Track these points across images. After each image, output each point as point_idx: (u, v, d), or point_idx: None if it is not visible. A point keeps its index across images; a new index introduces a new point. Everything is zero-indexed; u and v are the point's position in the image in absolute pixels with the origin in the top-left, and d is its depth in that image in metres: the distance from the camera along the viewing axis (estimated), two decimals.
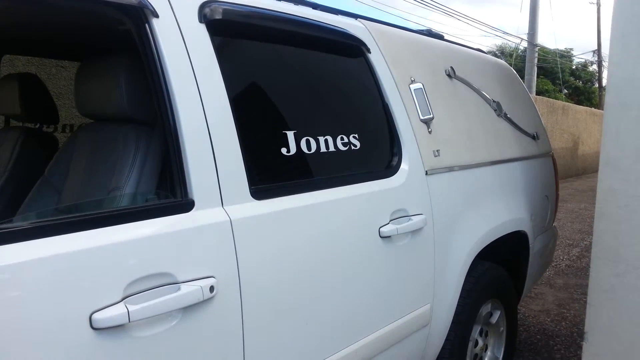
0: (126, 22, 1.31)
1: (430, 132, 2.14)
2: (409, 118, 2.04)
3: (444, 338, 2.21)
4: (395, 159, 1.97)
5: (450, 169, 2.20)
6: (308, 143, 1.63)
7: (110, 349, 1.06)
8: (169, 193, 1.32)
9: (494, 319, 2.67)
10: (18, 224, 1.07)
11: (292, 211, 1.48)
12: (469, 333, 2.39)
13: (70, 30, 1.77)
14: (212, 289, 1.23)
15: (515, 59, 25.99)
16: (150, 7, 1.30)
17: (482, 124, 2.55)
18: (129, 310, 1.07)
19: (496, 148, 2.60)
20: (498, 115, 2.73)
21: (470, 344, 2.44)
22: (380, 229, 1.78)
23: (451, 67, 2.43)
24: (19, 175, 1.94)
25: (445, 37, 2.70)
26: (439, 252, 2.09)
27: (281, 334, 1.43)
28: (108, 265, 1.08)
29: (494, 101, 2.71)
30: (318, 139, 1.66)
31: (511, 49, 28.67)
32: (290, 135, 1.57)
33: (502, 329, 2.74)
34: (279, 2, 1.79)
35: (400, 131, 1.99)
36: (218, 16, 1.45)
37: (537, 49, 16.38)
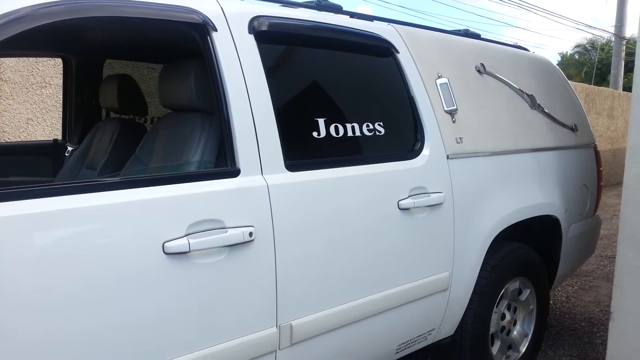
0: (194, 35, 1.76)
1: (454, 122, 2.45)
2: (433, 109, 2.36)
3: (466, 305, 2.50)
4: (418, 144, 2.30)
5: (473, 154, 2.49)
6: (336, 128, 2.01)
7: (176, 269, 1.51)
8: (223, 163, 1.76)
9: (523, 297, 2.90)
10: (122, 178, 1.55)
11: (318, 182, 1.87)
12: (493, 305, 2.66)
13: (156, 40, 2.27)
14: (251, 234, 1.65)
15: (607, 53, 24.72)
16: (211, 24, 1.74)
17: (512, 116, 2.80)
18: (190, 242, 1.51)
19: (525, 138, 2.83)
20: (532, 107, 2.96)
21: (496, 316, 2.70)
22: (399, 202, 2.12)
23: (481, 64, 2.71)
24: (117, 155, 2.48)
25: (481, 37, 2.98)
26: (459, 227, 2.39)
27: (306, 276, 1.82)
28: (177, 210, 1.53)
29: (527, 94, 2.94)
30: (345, 125, 2.04)
31: (602, 43, 27.26)
32: (321, 121, 1.97)
33: (532, 307, 2.96)
34: (319, 12, 2.20)
35: (423, 120, 2.32)
36: (264, 28, 1.87)
37: (624, 42, 15.62)
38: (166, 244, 1.48)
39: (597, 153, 3.47)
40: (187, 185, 1.58)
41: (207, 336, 1.59)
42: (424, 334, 2.36)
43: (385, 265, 2.08)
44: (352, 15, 2.37)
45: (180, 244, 1.50)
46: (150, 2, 1.65)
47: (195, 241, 1.52)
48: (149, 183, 1.53)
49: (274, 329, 1.74)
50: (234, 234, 1.61)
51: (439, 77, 2.45)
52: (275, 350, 1.75)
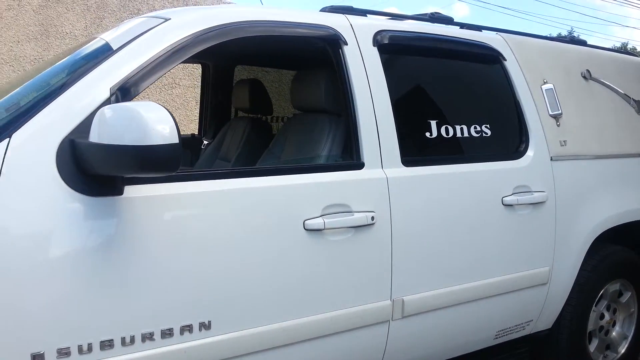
0: (327, 47, 2.07)
1: (558, 125, 2.58)
2: (538, 113, 2.52)
3: (564, 301, 2.62)
4: (523, 146, 2.47)
5: (577, 157, 2.61)
6: (447, 129, 2.24)
7: (313, 243, 1.82)
8: (349, 157, 2.05)
9: (623, 299, 2.94)
10: (271, 166, 1.89)
11: (430, 176, 2.12)
12: (592, 303, 2.75)
13: (291, 50, 2.62)
14: (372, 218, 1.93)
15: None
16: (342, 38, 2.04)
17: (617, 121, 2.87)
18: (325, 221, 1.82)
19: (630, 142, 2.89)
20: (638, 113, 3.00)
21: (594, 315, 2.78)
22: (503, 198, 2.31)
23: (587, 70, 2.81)
24: (248, 148, 2.86)
25: (587, 43, 3.06)
26: (561, 226, 2.52)
27: (417, 259, 2.07)
28: (314, 194, 1.84)
29: (634, 100, 2.99)
30: (455, 127, 2.27)
31: None
32: (433, 123, 2.21)
33: (632, 310, 2.99)
34: (432, 25, 2.44)
35: (528, 124, 2.48)
36: (386, 41, 2.15)
37: None
38: (306, 222, 1.80)
39: None
40: (321, 174, 1.90)
41: (333, 301, 1.89)
42: (522, 324, 2.52)
43: (488, 255, 2.28)
44: (462, 26, 2.58)
45: (317, 222, 1.81)
46: (295, 22, 1.99)
47: (328, 221, 1.83)
48: (292, 171, 1.87)
49: (389, 302, 2.01)
50: (359, 217, 1.90)
51: (545, 82, 2.60)
52: (389, 321, 2.02)
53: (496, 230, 2.30)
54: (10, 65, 4.81)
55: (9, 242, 1.38)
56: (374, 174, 1.99)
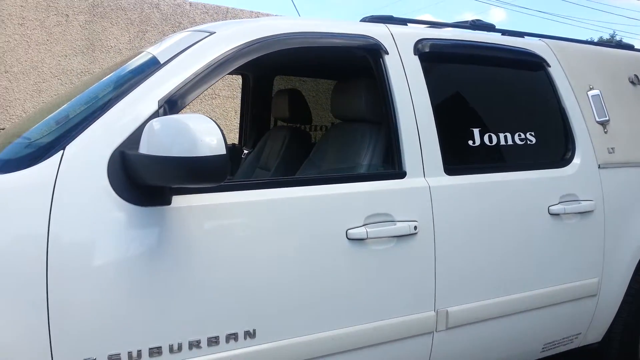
0: (368, 57, 2.07)
1: (605, 132, 2.51)
2: (584, 120, 2.45)
3: (615, 313, 2.53)
4: (569, 153, 2.41)
5: (626, 164, 2.53)
6: (490, 137, 2.21)
7: (356, 252, 1.82)
8: (390, 166, 2.04)
9: None
10: (313, 175, 1.91)
11: (473, 185, 2.09)
12: None
13: (331, 60, 2.63)
14: (415, 227, 1.91)
15: None
16: (384, 48, 2.04)
17: None
18: (367, 231, 1.82)
19: None
20: None
21: None
22: (550, 208, 2.25)
23: (635, 75, 2.72)
24: (288, 158, 2.88)
25: (634, 47, 2.96)
26: (610, 236, 2.44)
27: (461, 269, 2.04)
28: (356, 204, 1.84)
29: None
30: (498, 135, 2.23)
31: None
32: (476, 131, 2.18)
33: None
34: (474, 32, 2.41)
35: (574, 131, 2.42)
36: (427, 49, 2.13)
37: None
38: (349, 231, 1.80)
39: None
40: (363, 184, 1.89)
41: (376, 311, 1.88)
42: (570, 336, 2.44)
43: (534, 266, 2.23)
44: (504, 32, 2.54)
45: (360, 232, 1.81)
46: (336, 32, 2.00)
47: (371, 230, 1.83)
48: (334, 181, 1.87)
49: (432, 313, 1.98)
50: (402, 227, 1.89)
51: (591, 88, 2.53)
52: (433, 332, 2.00)
53: (542, 241, 2.25)
54: (58, 79, 5.00)
55: (63, 249, 1.43)
56: (416, 183, 1.98)
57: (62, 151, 1.50)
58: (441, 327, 2.00)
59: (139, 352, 1.51)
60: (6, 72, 4.79)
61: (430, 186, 1.99)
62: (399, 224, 1.89)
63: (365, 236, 1.82)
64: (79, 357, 1.45)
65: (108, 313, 1.48)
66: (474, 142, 2.18)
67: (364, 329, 1.86)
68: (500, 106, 2.36)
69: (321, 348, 1.78)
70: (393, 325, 1.91)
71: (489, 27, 2.50)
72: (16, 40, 4.81)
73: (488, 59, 2.35)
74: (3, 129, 2.36)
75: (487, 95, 2.36)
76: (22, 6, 4.81)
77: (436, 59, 2.20)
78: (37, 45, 4.89)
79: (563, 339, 2.43)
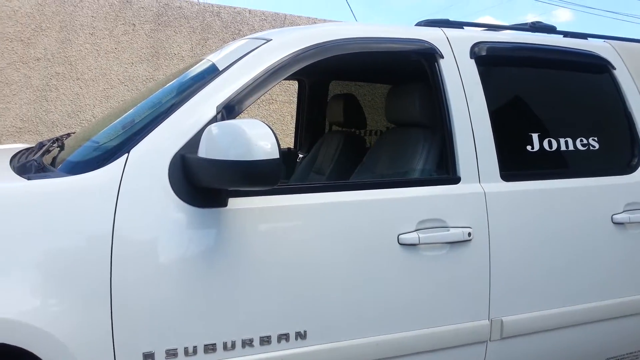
0: (422, 61, 2.06)
1: None
2: None
3: None
4: (635, 160, 2.30)
5: None
6: (550, 142, 2.14)
7: (407, 257, 1.81)
8: (444, 171, 2.02)
9: None
10: (366, 180, 1.91)
11: (531, 191, 2.03)
12: None
13: (386, 64, 2.64)
14: (469, 234, 1.89)
15: None
16: (439, 52, 2.03)
17: None
18: (419, 236, 1.81)
19: None
20: None
21: None
22: (613, 216, 2.16)
23: None
24: (342, 162, 2.90)
25: None
26: None
27: (517, 278, 1.99)
28: (408, 209, 1.84)
29: None
30: (559, 140, 2.16)
31: None
32: (535, 136, 2.12)
33: None
34: (533, 34, 2.35)
35: None
36: (483, 53, 2.10)
37: None
38: (400, 236, 1.80)
39: None
40: (416, 188, 1.89)
41: (428, 317, 1.86)
42: (635, 352, 2.32)
43: (596, 277, 2.14)
44: (566, 34, 2.46)
45: (412, 237, 1.80)
46: (391, 37, 2.00)
47: (423, 235, 1.82)
48: (387, 185, 1.87)
49: (486, 322, 1.94)
50: (455, 233, 1.87)
51: None
52: (487, 341, 1.96)
53: (605, 250, 2.15)
54: (125, 85, 5.25)
55: (126, 247, 1.51)
56: (471, 189, 1.95)
57: (127, 154, 1.58)
58: (495, 336, 1.96)
59: (195, 348, 1.57)
60: (78, 79, 5.08)
61: (486, 192, 1.96)
62: (452, 230, 1.87)
63: (417, 242, 1.81)
64: (139, 350, 1.52)
65: (166, 309, 1.54)
66: (532, 148, 2.12)
67: (415, 335, 1.84)
68: (560, 110, 2.29)
69: (371, 352, 1.78)
70: (445, 332, 1.88)
71: (550, 29, 2.43)
72: (87, 49, 5.09)
73: (548, 61, 2.28)
74: (74, 133, 2.51)
75: (547, 100, 2.29)
76: (92, 17, 5.09)
77: (493, 62, 2.16)
78: (106, 53, 5.16)
79: (628, 354, 2.32)
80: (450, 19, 2.25)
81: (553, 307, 2.05)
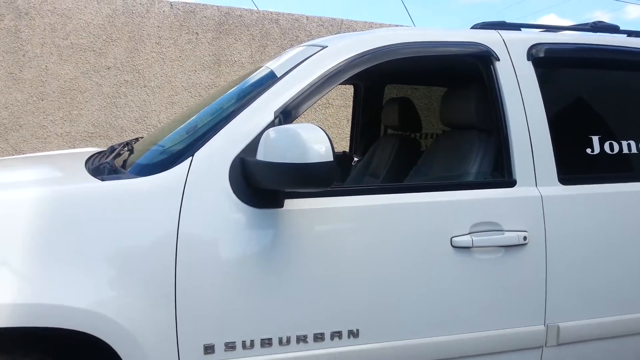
0: (478, 64, 2.06)
1: None
2: None
3: None
4: None
5: None
6: (611, 145, 2.08)
7: (460, 260, 1.82)
8: (499, 174, 2.01)
9: None
10: (411, 183, 1.93)
11: (591, 195, 1.98)
12: None
13: (441, 68, 2.64)
14: (525, 238, 1.87)
15: None
16: (494, 54, 2.02)
17: None
18: (472, 239, 1.81)
19: None
20: None
21: None
22: None
23: None
24: (397, 166, 2.92)
25: None
26: None
27: (574, 284, 1.95)
28: (462, 211, 1.84)
29: None
30: (621, 143, 2.10)
31: None
32: (595, 139, 2.07)
33: None
34: (595, 34, 2.29)
35: None
36: (541, 54, 2.07)
37: None
38: (454, 239, 1.81)
39: None
40: (470, 191, 1.89)
41: (481, 321, 1.86)
42: None
43: None
44: (630, 33, 2.38)
45: (465, 240, 1.81)
46: (446, 41, 2.02)
47: (477, 239, 1.82)
48: (440, 188, 1.89)
49: (542, 327, 1.92)
50: (510, 237, 1.86)
51: None
52: (542, 347, 1.93)
53: None
54: (188, 92, 5.48)
55: (189, 245, 1.61)
56: (527, 192, 1.93)
57: (191, 157, 1.68)
58: (551, 342, 1.93)
59: (252, 342, 1.65)
60: (145, 86, 5.35)
61: (543, 196, 1.93)
62: (507, 234, 1.86)
63: (470, 244, 1.81)
64: (200, 342, 1.61)
65: (226, 305, 1.63)
66: (592, 151, 2.07)
67: (468, 338, 1.85)
68: (622, 113, 2.22)
69: (423, 353, 1.80)
70: (499, 336, 1.87)
71: (612, 29, 2.36)
72: (153, 58, 5.36)
73: (609, 62, 2.22)
74: (142, 137, 2.68)
75: (607, 101, 2.23)
76: (158, 27, 5.35)
77: (551, 63, 2.12)
78: (170, 61, 5.41)
79: None
80: (513, 17, 2.24)
81: (614, 314, 2.00)
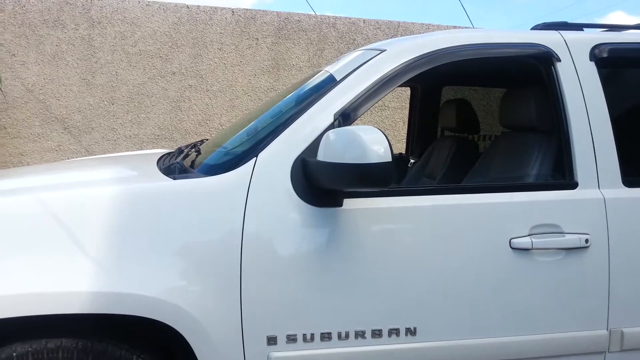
0: (539, 65, 2.05)
1: None
2: None
3: None
4: None
5: None
6: None
7: (519, 262, 1.82)
8: (560, 176, 1.99)
9: None
10: (469, 184, 1.94)
11: None
12: None
13: (500, 69, 2.63)
14: (587, 241, 1.84)
15: None
16: (555, 55, 2.00)
17: None
18: (532, 241, 1.81)
19: None
20: None
21: None
22: None
23: None
24: (453, 167, 2.92)
25: None
26: None
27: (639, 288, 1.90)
28: (521, 213, 1.84)
29: None
30: None
31: None
32: None
33: None
34: None
35: None
36: (605, 55, 2.04)
37: None
38: (512, 240, 1.81)
39: None
40: (530, 193, 1.88)
41: (540, 323, 1.85)
42: None
43: None
44: None
45: (525, 242, 1.81)
46: (504, 42, 2.02)
47: (536, 240, 1.81)
48: (499, 189, 1.89)
49: (604, 332, 1.88)
50: (571, 239, 1.84)
51: None
52: (605, 352, 1.89)
53: None
54: (248, 96, 5.65)
55: (254, 241, 1.70)
56: (590, 194, 1.90)
57: (255, 158, 1.77)
58: (615, 347, 1.89)
59: (312, 335, 1.72)
60: (207, 90, 5.56)
61: (606, 198, 1.90)
62: (568, 236, 1.84)
63: (529, 246, 1.81)
64: (263, 334, 1.70)
65: (288, 299, 1.70)
66: None
67: (526, 340, 1.84)
68: None
69: (479, 353, 1.81)
70: (560, 340, 1.86)
71: None
72: (215, 63, 5.56)
73: None
74: (207, 139, 2.81)
75: None
76: (221, 33, 5.55)
77: (615, 64, 2.08)
78: (232, 66, 5.59)
79: None
80: (580, 15, 2.21)
81: None
